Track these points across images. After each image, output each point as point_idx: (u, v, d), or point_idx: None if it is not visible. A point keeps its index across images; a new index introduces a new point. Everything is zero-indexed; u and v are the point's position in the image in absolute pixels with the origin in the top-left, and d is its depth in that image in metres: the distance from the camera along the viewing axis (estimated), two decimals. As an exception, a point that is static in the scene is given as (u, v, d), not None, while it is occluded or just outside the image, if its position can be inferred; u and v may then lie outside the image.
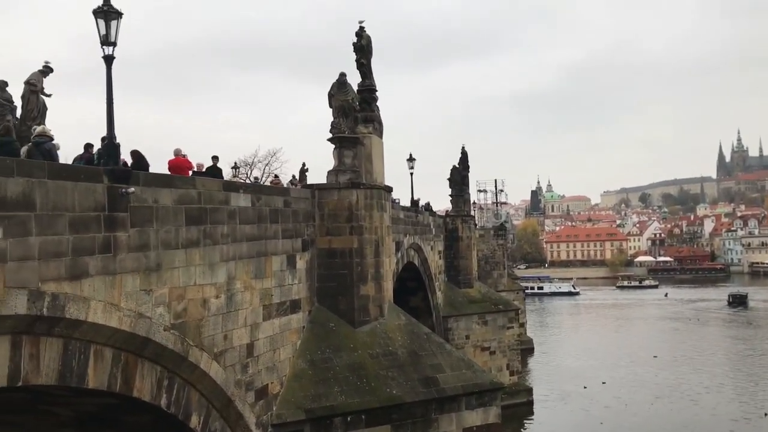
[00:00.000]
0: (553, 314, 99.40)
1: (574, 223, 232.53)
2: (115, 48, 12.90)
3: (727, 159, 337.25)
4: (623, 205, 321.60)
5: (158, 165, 15.54)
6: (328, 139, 21.40)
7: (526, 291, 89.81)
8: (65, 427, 14.21)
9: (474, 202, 74.53)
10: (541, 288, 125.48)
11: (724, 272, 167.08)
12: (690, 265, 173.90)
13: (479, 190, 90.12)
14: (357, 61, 22.82)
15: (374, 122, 22.78)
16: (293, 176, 30.32)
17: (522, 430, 41.83)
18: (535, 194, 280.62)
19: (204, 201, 14.34)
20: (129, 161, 14.69)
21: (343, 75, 21.62)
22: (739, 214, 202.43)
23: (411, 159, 41.71)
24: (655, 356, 60.91)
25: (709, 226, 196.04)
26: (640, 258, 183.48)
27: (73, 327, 10.76)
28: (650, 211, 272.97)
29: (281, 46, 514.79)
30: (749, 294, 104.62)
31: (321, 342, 19.10)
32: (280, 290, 17.70)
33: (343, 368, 18.71)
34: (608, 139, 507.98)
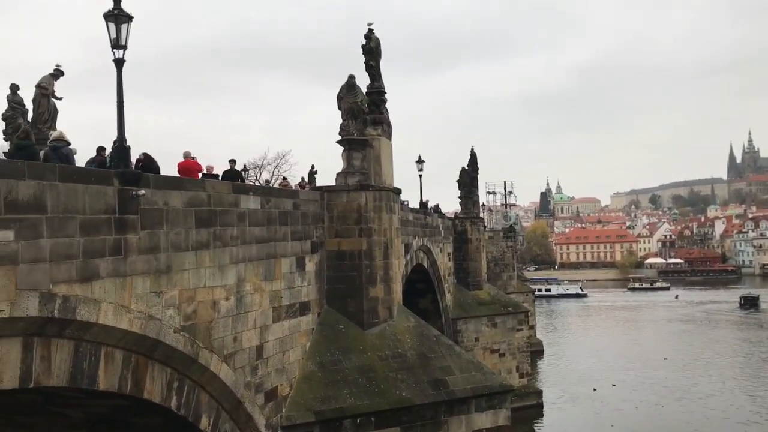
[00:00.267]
0: (562, 316, 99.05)
1: (583, 225, 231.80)
2: (126, 51, 12.96)
3: (738, 160, 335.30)
4: (633, 206, 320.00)
5: (167, 167, 15.61)
6: (337, 141, 21.44)
7: (534, 293, 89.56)
8: (76, 428, 14.27)
9: (483, 204, 74.44)
10: (548, 290, 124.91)
11: (735, 274, 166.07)
12: (701, 266, 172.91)
13: (488, 192, 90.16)
14: (366, 63, 22.85)
15: (383, 124, 22.79)
16: (302, 178, 30.41)
17: (531, 432, 41.72)
18: (545, 196, 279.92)
19: (214, 203, 14.39)
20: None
21: (351, 77, 21.66)
22: (750, 215, 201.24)
23: (420, 161, 41.71)
24: (665, 358, 60.59)
25: (719, 227, 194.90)
26: (651, 260, 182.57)
27: (84, 329, 10.82)
28: (660, 212, 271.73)
29: (290, 49, 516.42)
30: (761, 296, 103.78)
31: (330, 344, 19.11)
32: (290, 292, 17.73)
33: (352, 370, 18.71)
34: (618, 140, 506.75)
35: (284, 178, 34.30)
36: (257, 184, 37.25)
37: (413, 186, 42.73)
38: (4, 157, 12.60)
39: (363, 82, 22.54)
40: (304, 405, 17.34)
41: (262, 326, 16.20)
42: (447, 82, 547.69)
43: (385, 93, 23.30)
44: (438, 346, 21.04)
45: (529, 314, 52.56)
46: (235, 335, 14.98)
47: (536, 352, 60.95)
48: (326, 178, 25.10)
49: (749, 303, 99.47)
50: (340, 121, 21.52)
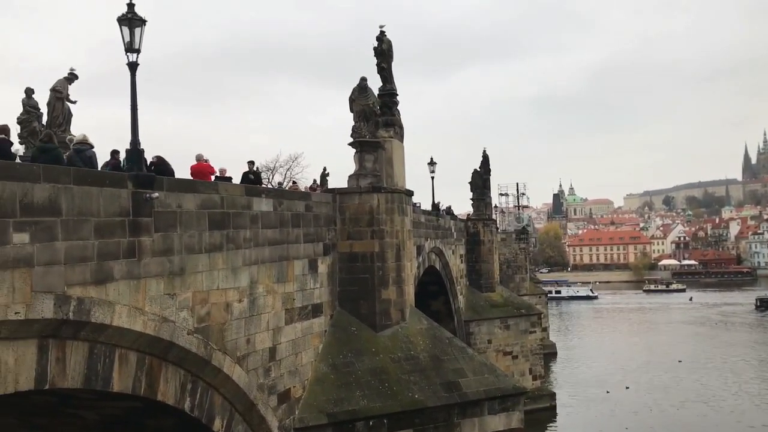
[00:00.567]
0: (574, 318, 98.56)
1: (596, 227, 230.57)
2: (139, 55, 13.05)
3: (753, 161, 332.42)
4: (647, 208, 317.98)
5: (179, 170, 15.68)
6: (349, 144, 21.48)
7: (546, 295, 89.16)
8: (90, 430, 14.35)
9: (495, 206, 74.31)
10: (558, 292, 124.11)
11: (750, 276, 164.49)
12: (715, 268, 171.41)
13: (501, 194, 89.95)
14: (378, 65, 22.91)
15: (395, 126, 22.82)
16: (314, 180, 30.49)
17: (545, 435, 41.54)
18: (558, 197, 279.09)
19: (227, 206, 14.45)
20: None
21: (363, 79, 21.70)
22: (765, 216, 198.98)
23: (432, 163, 41.63)
24: (679, 361, 60.12)
25: (734, 228, 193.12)
26: (665, 261, 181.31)
27: (99, 331, 10.89)
28: (674, 214, 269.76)
29: (301, 52, 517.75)
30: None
31: (343, 346, 19.13)
32: (302, 294, 17.77)
33: (365, 372, 18.71)
34: (631, 141, 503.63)
35: (293, 182, 34.43)
36: (270, 186, 37.35)
37: (425, 188, 42.64)
38: (20, 161, 12.71)
39: (375, 84, 22.60)
40: (317, 407, 17.36)
41: (274, 328, 16.24)
42: (458, 84, 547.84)
43: (397, 95, 23.34)
44: (450, 348, 21.00)
45: (542, 316, 52.34)
46: (248, 337, 15.03)
47: (549, 354, 60.69)
48: (338, 180, 25.19)
49: (766, 305, 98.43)
50: (352, 123, 21.55)
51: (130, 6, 12.80)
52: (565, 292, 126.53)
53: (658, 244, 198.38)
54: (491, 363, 23.47)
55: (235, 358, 14.43)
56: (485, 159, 50.50)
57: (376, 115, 21.73)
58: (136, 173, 12.13)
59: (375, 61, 22.95)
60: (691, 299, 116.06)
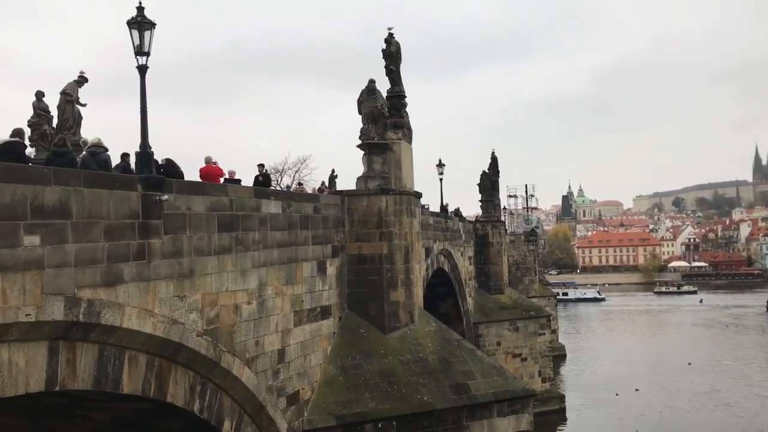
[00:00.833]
0: (583, 320, 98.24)
1: (606, 228, 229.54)
2: (149, 58, 13.12)
3: (764, 162, 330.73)
4: (656, 209, 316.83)
5: (188, 173, 15.74)
6: (358, 146, 21.49)
7: (556, 297, 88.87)
8: (100, 431, 14.41)
9: (504, 208, 74.04)
10: (566, 294, 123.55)
11: (761, 278, 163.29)
12: (726, 270, 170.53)
13: (509, 196, 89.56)
14: (386, 67, 22.95)
15: (403, 128, 22.84)
16: (323, 182, 30.51)
17: (554, 437, 41.42)
18: (566, 199, 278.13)
19: (236, 208, 14.49)
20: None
21: (372, 81, 21.71)
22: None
23: (440, 164, 41.62)
24: (689, 363, 59.79)
25: (745, 230, 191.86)
26: (674, 263, 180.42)
27: (109, 333, 10.93)
28: (684, 215, 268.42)
29: (309, 54, 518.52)
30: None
31: (351, 348, 19.13)
32: (311, 296, 17.79)
33: (373, 374, 18.71)
34: (640, 142, 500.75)
35: (299, 184, 34.48)
36: (279, 188, 37.41)
37: (434, 190, 42.62)
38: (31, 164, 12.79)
39: (383, 86, 22.62)
40: (326, 409, 17.37)
41: (283, 330, 16.26)
42: (467, 86, 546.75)
43: (406, 97, 23.36)
44: (459, 351, 20.97)
45: (551, 318, 52.21)
46: (257, 339, 15.05)
47: (558, 356, 60.56)
48: (347, 182, 25.21)
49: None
50: (361, 125, 21.57)
51: (140, 9, 12.88)
52: (572, 294, 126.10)
53: (667, 245, 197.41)
54: (500, 365, 23.40)
55: (244, 359, 14.46)
56: (494, 161, 50.41)
57: (384, 117, 21.73)
58: (146, 176, 12.19)
59: (383, 63, 22.98)
60: (701, 301, 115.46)
